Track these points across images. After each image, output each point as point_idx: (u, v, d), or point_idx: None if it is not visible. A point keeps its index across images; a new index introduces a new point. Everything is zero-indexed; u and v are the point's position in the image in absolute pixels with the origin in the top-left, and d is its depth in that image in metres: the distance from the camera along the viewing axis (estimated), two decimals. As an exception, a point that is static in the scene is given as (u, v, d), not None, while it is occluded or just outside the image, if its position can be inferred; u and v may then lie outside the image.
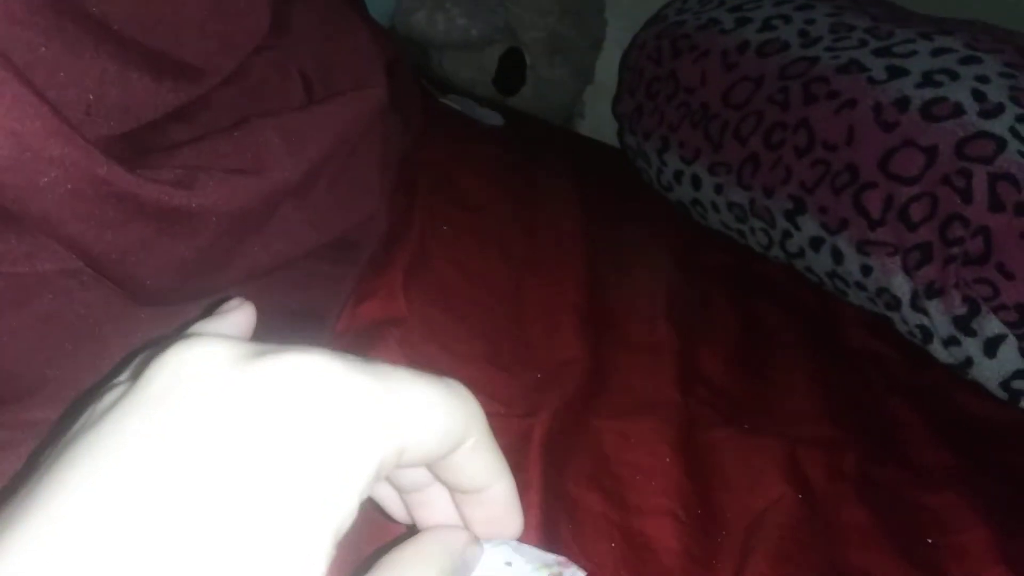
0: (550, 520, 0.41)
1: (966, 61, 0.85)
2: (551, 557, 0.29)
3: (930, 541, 0.52)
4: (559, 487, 0.45)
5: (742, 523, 0.48)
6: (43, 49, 0.33)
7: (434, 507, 0.27)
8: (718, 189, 1.00)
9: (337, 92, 0.51)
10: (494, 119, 1.07)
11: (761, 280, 0.92)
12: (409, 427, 0.21)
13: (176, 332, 0.24)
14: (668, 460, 0.50)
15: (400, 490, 0.27)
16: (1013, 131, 0.77)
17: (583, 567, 0.29)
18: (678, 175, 1.06)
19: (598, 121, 1.53)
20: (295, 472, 0.19)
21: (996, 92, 0.80)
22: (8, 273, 0.34)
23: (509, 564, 0.28)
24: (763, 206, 0.94)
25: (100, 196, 0.33)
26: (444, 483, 0.25)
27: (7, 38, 0.31)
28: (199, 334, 0.22)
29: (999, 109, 0.79)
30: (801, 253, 0.92)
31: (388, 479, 0.27)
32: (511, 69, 1.32)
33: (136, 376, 0.21)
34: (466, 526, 0.26)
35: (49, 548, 0.17)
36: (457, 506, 0.26)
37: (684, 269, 0.84)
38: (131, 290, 0.37)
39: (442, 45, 1.29)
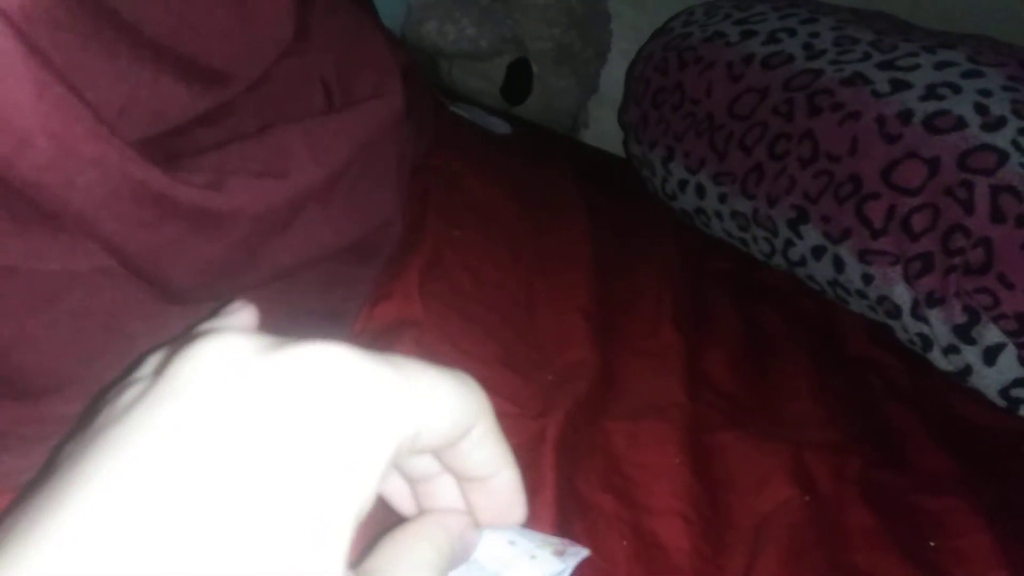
0: (564, 518, 0.42)
1: (969, 75, 0.86)
2: (555, 539, 0.30)
3: (933, 544, 0.53)
4: (572, 486, 0.46)
5: (750, 524, 0.49)
6: (82, 53, 0.35)
7: (442, 498, 0.28)
8: (722, 198, 1.01)
9: (357, 100, 0.53)
10: (502, 127, 1.08)
11: (763, 287, 0.93)
12: (423, 413, 0.22)
13: (185, 332, 0.25)
14: (677, 461, 0.51)
15: (411, 480, 0.28)
16: (1015, 144, 0.78)
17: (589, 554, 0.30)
18: (683, 184, 1.07)
19: (601, 130, 1.54)
20: (317, 457, 0.20)
21: (998, 105, 0.82)
22: (43, 271, 0.35)
23: (512, 543, 0.28)
24: (766, 215, 0.95)
25: (136, 197, 0.34)
26: (452, 471, 0.26)
27: (50, 42, 0.32)
28: (217, 329, 0.23)
29: (1001, 122, 0.80)
30: (803, 261, 0.93)
31: (398, 469, 0.28)
32: (518, 79, 1.33)
33: (158, 371, 0.22)
34: (472, 514, 0.27)
35: (80, 541, 0.18)
36: (463, 494, 0.27)
37: (688, 275, 0.85)
38: (161, 288, 0.38)
39: (451, 55, 1.30)
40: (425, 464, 0.27)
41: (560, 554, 0.29)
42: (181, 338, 0.23)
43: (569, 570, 0.29)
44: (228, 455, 0.19)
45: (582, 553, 0.30)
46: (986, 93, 0.84)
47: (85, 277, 0.37)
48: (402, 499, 0.29)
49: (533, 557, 0.28)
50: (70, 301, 0.36)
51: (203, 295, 0.39)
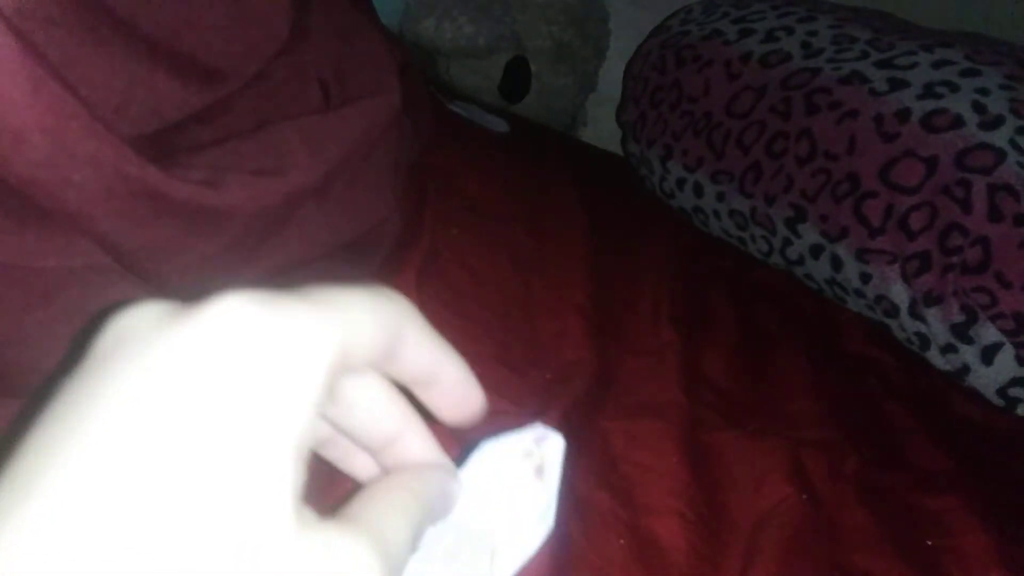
0: (560, 517, 0.42)
1: (966, 73, 0.86)
2: (527, 439, 0.30)
3: (930, 543, 0.53)
4: (569, 485, 0.46)
5: (748, 523, 0.49)
6: (77, 50, 0.34)
7: (409, 458, 0.28)
8: (720, 197, 1.01)
9: (354, 98, 0.52)
10: (500, 126, 1.08)
11: (761, 286, 0.93)
12: (344, 333, 0.23)
13: (99, 311, 0.25)
14: (675, 460, 0.51)
15: (373, 451, 0.28)
16: (1013, 143, 0.78)
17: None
18: (680, 183, 1.07)
19: (599, 129, 1.54)
20: (245, 398, 0.20)
21: (996, 104, 0.82)
22: (39, 268, 0.35)
23: (496, 504, 0.29)
24: (764, 214, 0.95)
25: (131, 194, 0.34)
26: (402, 381, 0.27)
27: (45, 39, 0.32)
28: (128, 302, 0.23)
29: (999, 121, 0.80)
30: (801, 260, 0.93)
31: (357, 442, 0.28)
32: (517, 77, 1.33)
33: (80, 352, 0.22)
34: (437, 416, 0.28)
35: (27, 529, 0.18)
36: (421, 401, 0.27)
37: (685, 274, 0.85)
38: (157, 286, 0.38)
39: (449, 52, 1.30)
40: (381, 428, 0.27)
41: (539, 473, 0.29)
42: (98, 317, 0.23)
43: (553, 507, 0.29)
44: (160, 418, 0.20)
45: (558, 450, 0.30)
46: (984, 92, 0.84)
47: (81, 274, 0.37)
48: (371, 473, 0.29)
49: (517, 513, 0.29)
50: (66, 298, 0.36)
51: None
